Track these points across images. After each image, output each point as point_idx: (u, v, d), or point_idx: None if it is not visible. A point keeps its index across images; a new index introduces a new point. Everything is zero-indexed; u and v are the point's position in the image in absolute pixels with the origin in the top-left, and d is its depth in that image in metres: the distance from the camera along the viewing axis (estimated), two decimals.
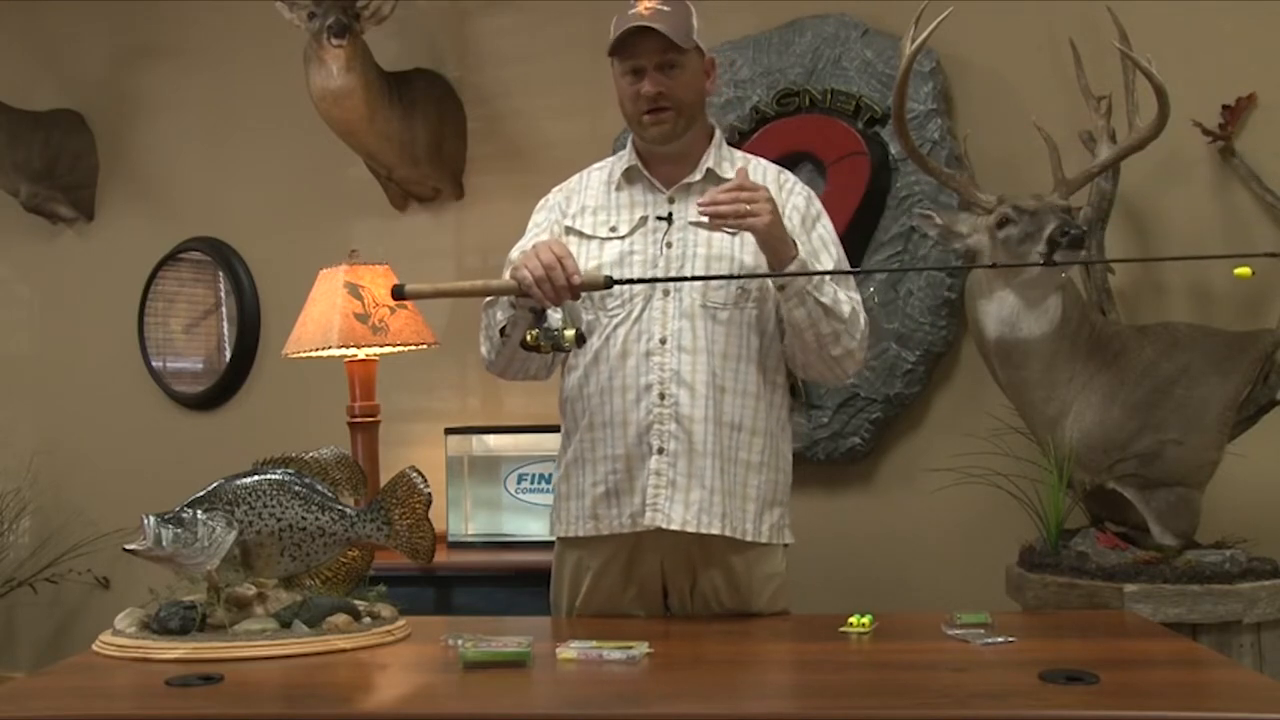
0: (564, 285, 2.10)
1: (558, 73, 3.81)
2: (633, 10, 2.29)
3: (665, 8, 2.27)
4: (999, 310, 2.76)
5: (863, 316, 2.34)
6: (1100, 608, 2.61)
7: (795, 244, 2.22)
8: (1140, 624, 2.30)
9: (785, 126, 3.41)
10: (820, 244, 2.36)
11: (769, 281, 2.30)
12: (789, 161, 3.38)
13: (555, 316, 2.13)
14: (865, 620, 2.12)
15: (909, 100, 2.97)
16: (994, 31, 3.27)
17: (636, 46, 2.28)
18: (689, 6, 2.32)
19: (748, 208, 2.14)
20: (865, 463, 3.41)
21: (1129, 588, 2.61)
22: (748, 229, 2.17)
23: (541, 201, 2.49)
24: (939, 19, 2.70)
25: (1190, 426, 2.72)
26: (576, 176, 2.48)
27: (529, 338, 2.13)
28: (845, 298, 2.30)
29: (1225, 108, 3.04)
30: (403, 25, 3.81)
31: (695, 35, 2.31)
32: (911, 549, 3.35)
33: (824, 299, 2.24)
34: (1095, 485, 2.80)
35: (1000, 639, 1.99)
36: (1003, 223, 2.72)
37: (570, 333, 2.12)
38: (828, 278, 2.27)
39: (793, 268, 2.20)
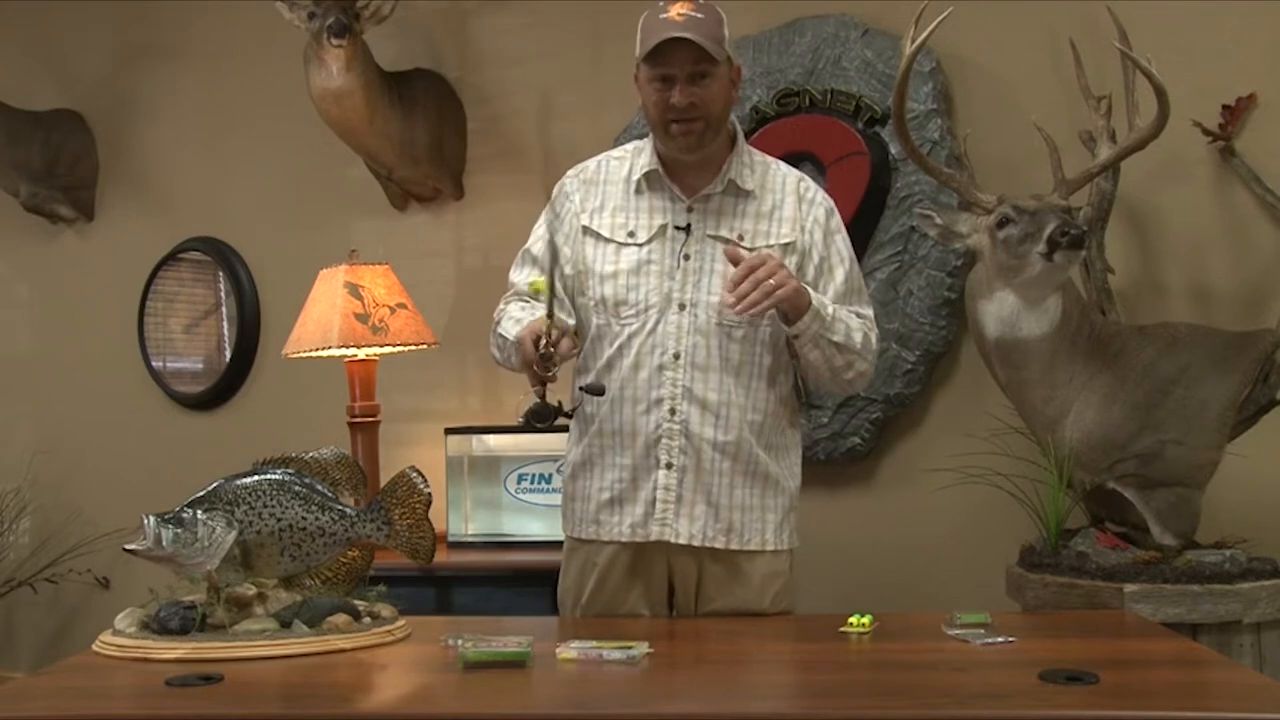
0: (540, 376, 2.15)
1: (558, 73, 3.81)
2: (664, 15, 2.24)
3: (699, 15, 2.24)
4: (999, 310, 2.76)
5: (874, 336, 2.36)
6: (1100, 608, 2.60)
7: (808, 290, 2.23)
8: (1140, 624, 2.30)
9: (785, 126, 3.41)
10: (838, 258, 2.37)
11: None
12: (789, 162, 3.35)
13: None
14: (865, 620, 2.12)
15: (909, 100, 2.97)
16: (994, 31, 3.27)
17: (669, 55, 2.23)
18: (721, 14, 2.29)
19: (771, 282, 2.13)
20: (865, 463, 3.41)
21: (1129, 588, 2.61)
22: (780, 302, 2.16)
23: (558, 186, 2.45)
24: (939, 19, 2.70)
25: (1190, 426, 2.72)
26: (594, 163, 2.44)
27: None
28: (857, 324, 2.31)
29: (1225, 108, 3.04)
30: (403, 25, 3.81)
31: (726, 44, 2.28)
32: (911, 549, 3.35)
33: (836, 337, 2.26)
34: (1095, 485, 2.80)
35: (1000, 639, 1.99)
36: (1003, 223, 2.71)
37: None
38: (839, 312, 2.28)
39: (808, 316, 2.21)
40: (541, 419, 2.15)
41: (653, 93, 2.28)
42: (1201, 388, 2.73)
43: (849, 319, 2.30)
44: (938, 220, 2.86)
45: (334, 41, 3.42)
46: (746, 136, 3.39)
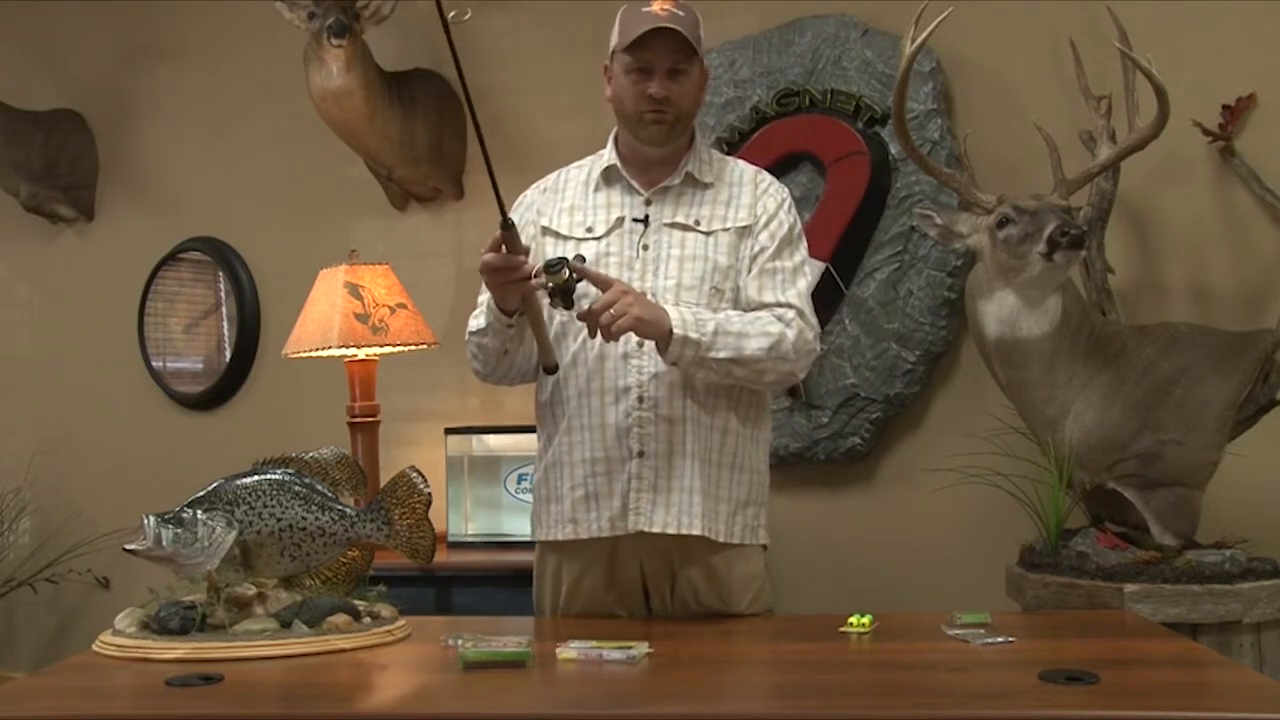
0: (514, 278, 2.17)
1: (558, 73, 3.81)
2: (646, 9, 2.28)
3: (680, 12, 2.28)
4: (999, 310, 2.76)
5: (794, 332, 2.27)
6: (1100, 608, 2.61)
7: (668, 314, 2.19)
8: (1140, 624, 2.30)
9: (785, 126, 3.41)
10: (769, 237, 2.34)
11: (743, 282, 2.32)
12: (789, 162, 3.39)
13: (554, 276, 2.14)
14: (865, 620, 2.12)
15: (909, 100, 2.97)
16: (994, 31, 3.27)
17: (652, 46, 2.27)
18: (698, 16, 2.33)
19: (611, 313, 2.12)
20: (865, 463, 3.40)
21: (1129, 588, 2.61)
22: (623, 330, 2.15)
23: (519, 199, 2.49)
24: (939, 19, 2.70)
25: (1190, 426, 2.72)
26: (554, 175, 2.49)
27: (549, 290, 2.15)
28: (759, 329, 2.24)
29: (1225, 108, 3.04)
30: (403, 25, 3.81)
31: (701, 46, 2.31)
32: (911, 549, 3.35)
33: (721, 354, 2.21)
34: (1095, 485, 2.80)
35: (1000, 639, 1.99)
36: (1003, 222, 2.71)
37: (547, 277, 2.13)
38: (720, 332, 2.21)
39: (675, 344, 2.18)
40: (554, 277, 2.11)
41: (630, 84, 2.31)
42: (1201, 388, 2.73)
43: (745, 328, 2.24)
44: (938, 220, 2.86)
45: (334, 41, 3.42)
46: (746, 136, 3.44)
